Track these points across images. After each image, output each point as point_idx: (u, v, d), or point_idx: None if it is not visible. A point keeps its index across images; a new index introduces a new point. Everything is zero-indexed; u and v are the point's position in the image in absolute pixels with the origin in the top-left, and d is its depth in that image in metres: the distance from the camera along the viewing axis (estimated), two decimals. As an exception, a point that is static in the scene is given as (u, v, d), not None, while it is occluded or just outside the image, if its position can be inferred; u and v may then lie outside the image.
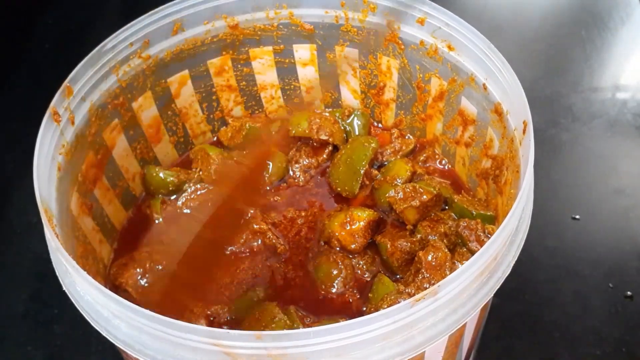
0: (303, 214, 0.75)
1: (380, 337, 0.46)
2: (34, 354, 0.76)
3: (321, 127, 0.78)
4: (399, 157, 0.79)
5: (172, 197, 0.76)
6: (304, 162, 0.79)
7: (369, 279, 0.68)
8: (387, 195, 0.70)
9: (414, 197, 0.69)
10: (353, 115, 0.82)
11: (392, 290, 0.63)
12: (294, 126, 0.79)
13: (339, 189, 0.75)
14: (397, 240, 0.67)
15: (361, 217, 0.69)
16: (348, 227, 0.69)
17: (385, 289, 0.64)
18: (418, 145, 0.81)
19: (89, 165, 0.69)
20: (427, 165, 0.79)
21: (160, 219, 0.74)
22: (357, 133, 0.81)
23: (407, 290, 0.62)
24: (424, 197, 0.68)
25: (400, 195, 0.69)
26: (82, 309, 0.53)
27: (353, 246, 0.69)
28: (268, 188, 0.77)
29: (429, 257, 0.63)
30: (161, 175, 0.75)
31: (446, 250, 0.64)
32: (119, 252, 0.73)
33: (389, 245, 0.67)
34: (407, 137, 0.82)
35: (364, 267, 0.69)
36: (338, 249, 0.70)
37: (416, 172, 0.74)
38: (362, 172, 0.74)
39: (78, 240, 0.65)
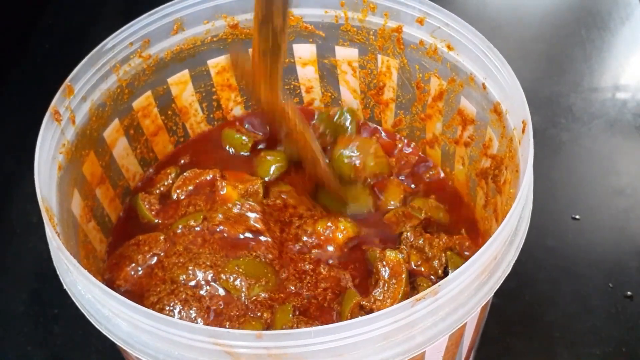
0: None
1: (381, 337, 0.46)
2: (34, 354, 0.76)
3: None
4: (403, 176, 0.79)
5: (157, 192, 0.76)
6: None
7: None
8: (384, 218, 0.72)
9: (406, 222, 0.71)
10: (340, 113, 0.82)
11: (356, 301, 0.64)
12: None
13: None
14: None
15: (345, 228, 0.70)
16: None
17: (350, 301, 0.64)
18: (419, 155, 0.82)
19: (90, 164, 0.69)
20: (429, 179, 0.79)
21: (156, 220, 0.73)
22: (348, 131, 0.80)
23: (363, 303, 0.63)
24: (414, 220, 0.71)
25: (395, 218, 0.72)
26: (82, 307, 0.53)
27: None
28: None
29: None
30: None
31: (400, 256, 0.65)
32: (111, 249, 0.72)
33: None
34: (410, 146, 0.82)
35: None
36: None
37: (409, 193, 0.75)
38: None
39: (79, 239, 0.65)
